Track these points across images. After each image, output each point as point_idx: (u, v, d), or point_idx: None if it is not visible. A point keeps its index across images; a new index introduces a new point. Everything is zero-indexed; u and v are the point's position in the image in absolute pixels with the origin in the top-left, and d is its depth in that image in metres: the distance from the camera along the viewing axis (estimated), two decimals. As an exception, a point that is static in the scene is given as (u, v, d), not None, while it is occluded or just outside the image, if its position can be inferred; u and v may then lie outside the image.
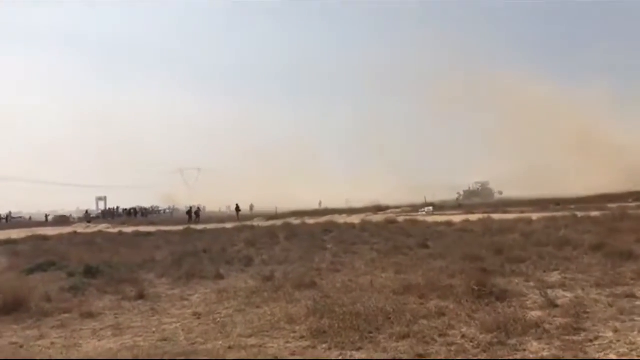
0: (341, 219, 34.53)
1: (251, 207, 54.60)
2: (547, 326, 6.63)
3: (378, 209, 45.46)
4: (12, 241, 27.96)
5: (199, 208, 52.22)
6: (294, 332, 7.04)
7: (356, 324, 6.92)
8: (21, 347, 7.11)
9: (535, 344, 6.03)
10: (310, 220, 33.65)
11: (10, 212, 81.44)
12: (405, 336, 6.52)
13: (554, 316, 7.18)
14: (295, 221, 33.89)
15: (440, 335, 6.51)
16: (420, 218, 32.25)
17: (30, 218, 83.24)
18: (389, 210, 43.95)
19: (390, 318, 7.27)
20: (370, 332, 6.72)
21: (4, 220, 70.68)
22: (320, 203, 63.88)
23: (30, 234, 32.50)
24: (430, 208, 41.50)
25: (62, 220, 67.28)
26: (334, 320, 7.20)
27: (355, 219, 33.58)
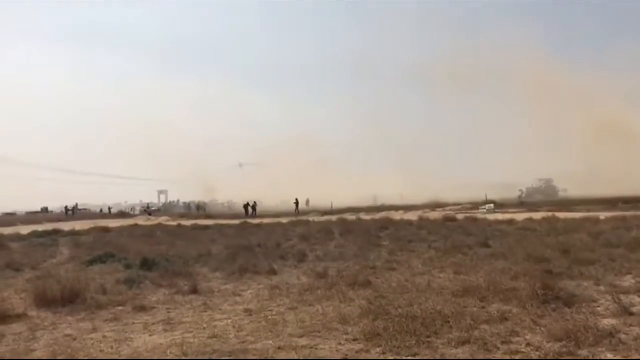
0: (397, 216, 34.00)
1: (307, 202, 54.60)
2: (622, 336, 6.09)
3: (436, 205, 44.55)
4: (75, 233, 28.93)
5: (255, 202, 52.60)
6: (347, 333, 6.73)
7: (412, 328, 6.56)
8: (74, 339, 7.10)
9: (609, 355, 5.52)
10: (366, 216, 33.27)
11: (76, 204, 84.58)
12: (465, 342, 6.12)
13: (630, 325, 6.59)
14: (350, 217, 33.60)
15: (503, 343, 6.07)
16: (481, 216, 31.33)
17: (101, 210, 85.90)
18: (448, 208, 42.99)
19: (449, 322, 6.88)
20: (428, 337, 6.34)
21: (70, 212, 73.44)
22: (375, 199, 63.25)
23: (93, 225, 33.56)
24: (491, 206, 40.22)
25: (124, 213, 69.26)
26: (389, 322, 6.87)
27: (412, 216, 32.98)
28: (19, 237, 26.31)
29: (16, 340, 7.12)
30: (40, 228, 34.19)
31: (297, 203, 52.42)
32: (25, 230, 32.78)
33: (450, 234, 19.23)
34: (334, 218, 32.74)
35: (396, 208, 43.73)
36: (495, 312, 7.41)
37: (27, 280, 12.02)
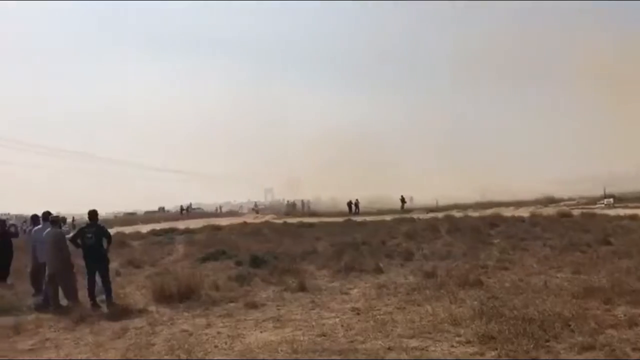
0: (507, 212, 32.60)
1: (410, 198, 53.79)
2: None
3: (550, 201, 42.23)
4: (190, 231, 30.35)
5: (357, 200, 52.71)
6: (459, 335, 6.48)
7: (529, 331, 6.20)
8: (190, 335, 7.40)
9: None
10: (474, 213, 32.23)
11: (190, 204, 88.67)
12: (589, 347, 5.70)
13: None
14: (457, 214, 32.70)
15: (634, 349, 5.59)
16: (599, 211, 29.32)
17: (219, 209, 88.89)
18: (562, 203, 40.64)
19: (569, 325, 6.45)
20: (547, 341, 5.98)
21: (184, 211, 77.13)
22: (482, 194, 60.97)
23: (205, 224, 35.09)
24: (611, 200, 37.49)
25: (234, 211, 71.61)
26: (503, 324, 6.55)
27: (524, 212, 31.51)
28: (139, 236, 28.08)
29: (138, 334, 7.53)
30: (157, 227, 36.30)
31: (402, 200, 52.00)
32: (144, 228, 34.92)
33: (565, 230, 18.13)
34: (440, 215, 31.99)
35: (506, 204, 41.95)
36: (622, 316, 6.88)
37: (147, 276, 12.72)
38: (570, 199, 44.36)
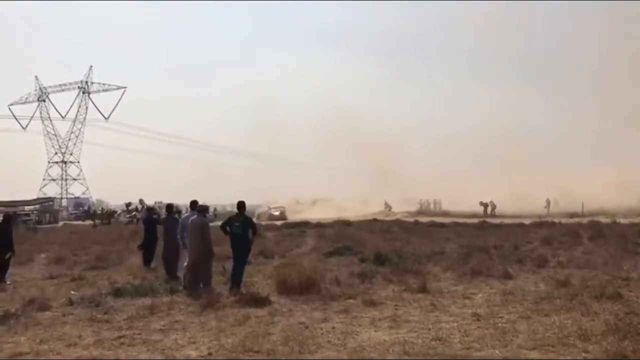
0: (663, 220, 29.56)
1: (549, 201, 50.37)
2: None
3: None
4: (321, 225, 31.08)
5: (492, 201, 50.64)
6: (586, 351, 5.98)
7: (670, 354, 5.56)
8: (306, 327, 7.56)
9: None
10: (623, 220, 29.59)
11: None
12: None
13: None
14: (604, 219, 30.24)
15: None
16: None
17: None
18: None
19: None
20: (690, 368, 5.32)
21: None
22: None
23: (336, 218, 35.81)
24: None
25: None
26: (639, 344, 5.93)
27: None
28: (273, 227, 29.28)
29: (258, 323, 7.84)
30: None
31: (548, 202, 49.26)
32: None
33: None
34: (584, 220, 29.81)
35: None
36: None
37: (275, 267, 13.21)
38: None
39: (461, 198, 54.10)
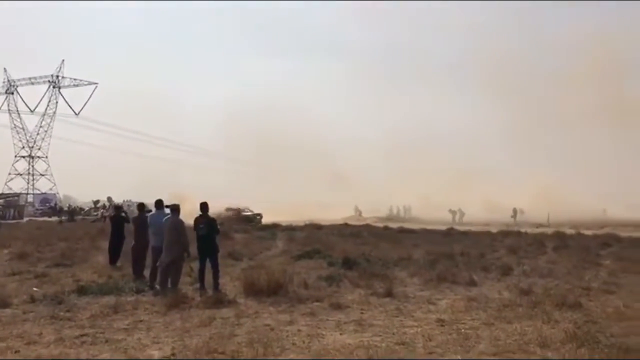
0: (626, 232, 30.29)
1: (515, 211, 51.25)
2: None
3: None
4: (291, 228, 31.07)
5: (459, 209, 51.42)
6: (545, 358, 6.12)
7: (625, 362, 5.73)
8: (272, 329, 7.57)
9: None
10: (587, 232, 30.28)
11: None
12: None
13: None
14: (568, 230, 30.89)
15: None
16: None
17: None
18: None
19: (673, 361, 5.87)
20: (643, 376, 5.48)
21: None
22: (604, 211, 56.65)
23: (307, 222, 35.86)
24: None
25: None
26: (595, 351, 6.10)
27: (646, 233, 29.14)
28: (243, 229, 29.19)
29: (223, 324, 7.82)
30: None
31: (515, 211, 50.32)
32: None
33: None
34: (549, 231, 30.37)
35: (624, 224, 38.96)
36: None
37: (243, 269, 13.16)
38: None
39: (426, 205, 54.81)
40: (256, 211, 45.34)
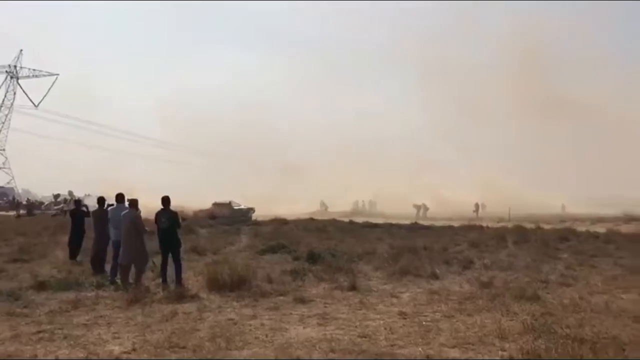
0: (583, 227, 31.12)
1: (477, 206, 52.29)
2: None
3: (631, 218, 39.92)
4: (257, 223, 30.97)
5: (424, 204, 52.18)
6: (503, 350, 6.25)
7: (579, 352, 5.89)
8: (235, 324, 7.54)
9: None
10: (547, 226, 30.98)
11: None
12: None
13: None
14: (528, 225, 31.56)
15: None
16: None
17: None
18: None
19: (624, 350, 6.08)
20: (596, 364, 5.65)
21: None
22: (563, 207, 58.39)
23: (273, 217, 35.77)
24: None
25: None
26: (552, 342, 6.26)
27: (600, 228, 29.99)
28: (208, 224, 28.96)
29: (185, 319, 7.76)
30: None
31: (477, 206, 51.33)
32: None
33: (643, 250, 17.08)
34: (510, 225, 30.96)
35: (582, 219, 40.10)
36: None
37: (206, 264, 13.06)
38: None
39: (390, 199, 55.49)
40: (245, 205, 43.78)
